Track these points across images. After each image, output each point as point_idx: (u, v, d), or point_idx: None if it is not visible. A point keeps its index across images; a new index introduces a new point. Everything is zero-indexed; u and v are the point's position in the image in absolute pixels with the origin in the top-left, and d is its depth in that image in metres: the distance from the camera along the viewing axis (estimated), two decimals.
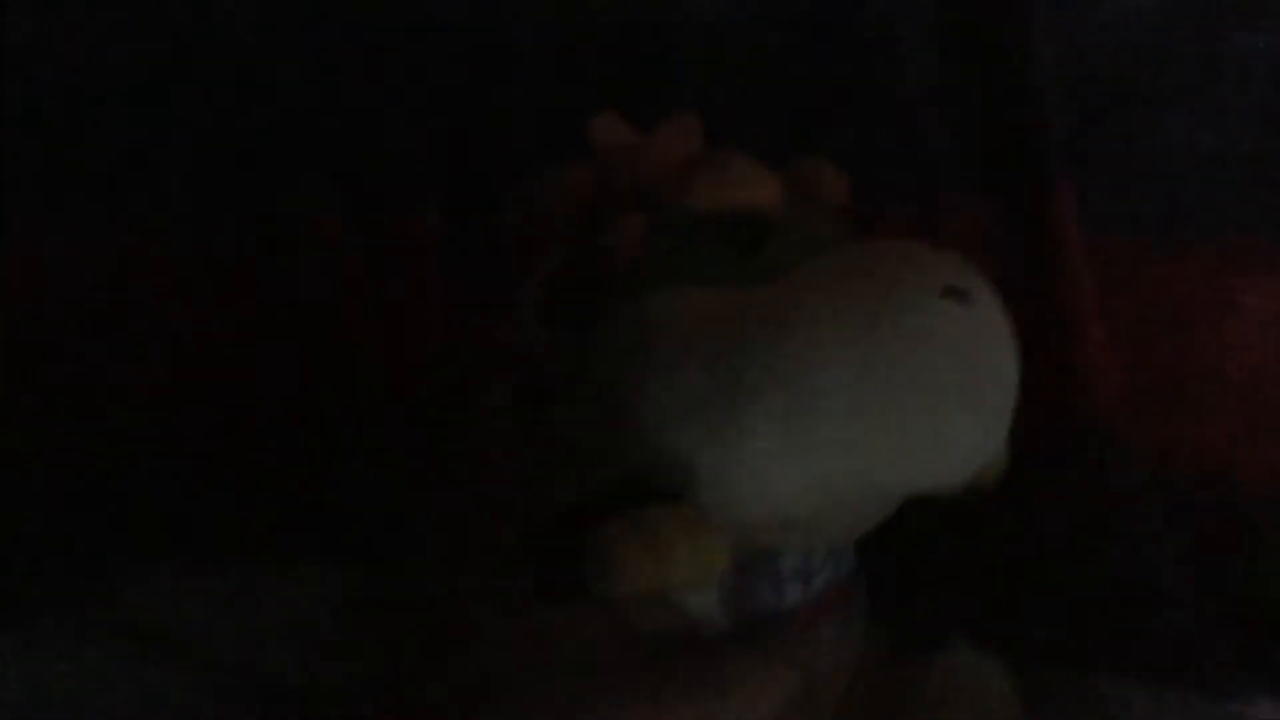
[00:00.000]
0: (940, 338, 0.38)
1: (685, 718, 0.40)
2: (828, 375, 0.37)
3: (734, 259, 0.40)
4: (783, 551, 0.43)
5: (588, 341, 0.41)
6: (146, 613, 0.53)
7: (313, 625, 0.52)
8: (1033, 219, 0.59)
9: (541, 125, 0.58)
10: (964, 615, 0.55)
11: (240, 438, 0.56)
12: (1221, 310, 0.59)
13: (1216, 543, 0.57)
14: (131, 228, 0.58)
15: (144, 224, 0.58)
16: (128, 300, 0.57)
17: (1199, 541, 0.57)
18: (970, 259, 0.41)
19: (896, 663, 0.51)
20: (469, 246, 0.58)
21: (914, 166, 0.60)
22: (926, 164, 0.60)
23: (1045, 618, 0.56)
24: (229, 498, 0.55)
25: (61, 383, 0.56)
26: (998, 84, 0.61)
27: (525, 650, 0.39)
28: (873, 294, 0.38)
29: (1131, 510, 0.57)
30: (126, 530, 0.54)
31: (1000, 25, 0.61)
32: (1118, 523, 0.56)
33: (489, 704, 0.38)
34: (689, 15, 0.61)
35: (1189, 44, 0.61)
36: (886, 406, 0.38)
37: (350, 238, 0.59)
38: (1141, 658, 0.55)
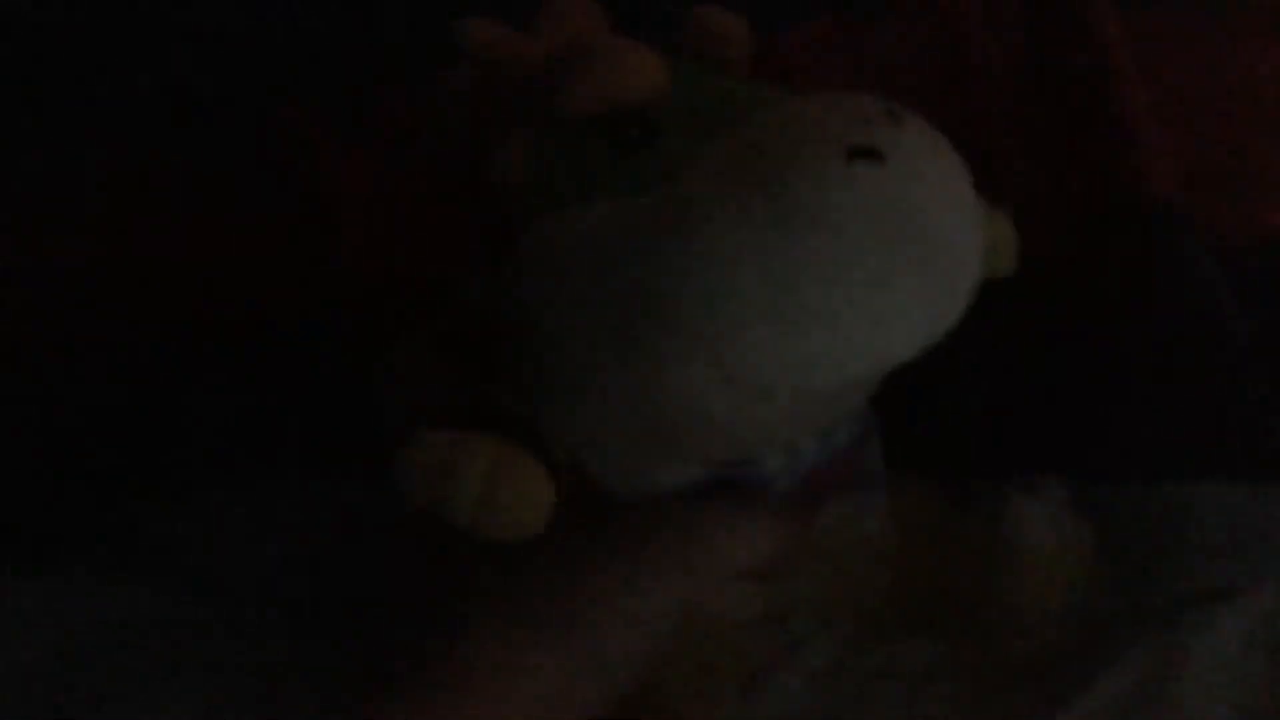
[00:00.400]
0: (853, 210, 0.33)
1: (658, 571, 0.39)
2: (736, 286, 0.33)
3: (625, 163, 0.36)
4: (761, 457, 0.40)
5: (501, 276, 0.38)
6: (165, 547, 0.54)
7: (320, 545, 0.52)
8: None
9: None
10: (1016, 444, 0.51)
11: (235, 359, 0.55)
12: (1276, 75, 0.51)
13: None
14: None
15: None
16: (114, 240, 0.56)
17: (1272, 322, 0.51)
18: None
19: (950, 519, 0.48)
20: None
21: None
22: None
23: (1112, 423, 0.51)
24: (228, 426, 0.55)
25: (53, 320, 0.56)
26: None
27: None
28: (768, 178, 0.33)
29: (1199, 290, 0.51)
30: (136, 467, 0.55)
31: None
32: (1186, 306, 0.51)
33: (467, 604, 0.39)
34: None
35: None
36: (809, 302, 0.33)
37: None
38: (1220, 456, 0.50)
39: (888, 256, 0.34)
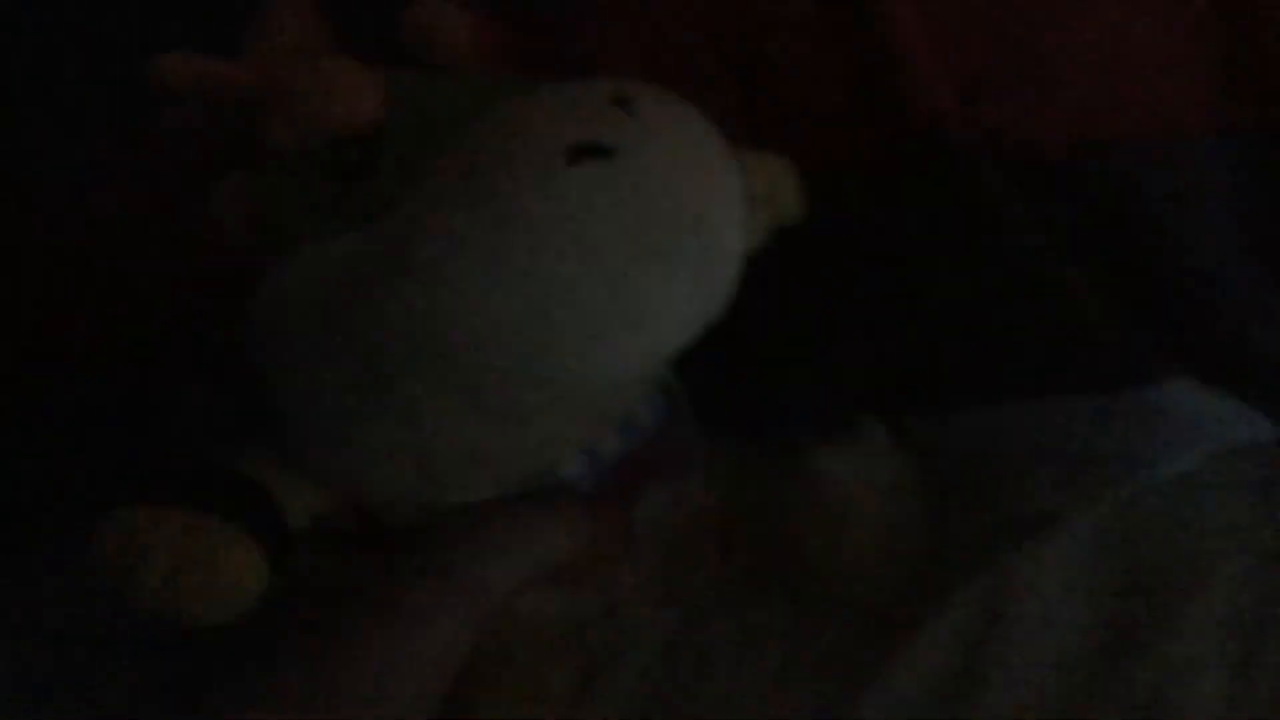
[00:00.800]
0: (583, 211, 0.32)
1: (448, 586, 0.38)
2: (474, 310, 0.31)
3: (347, 193, 0.34)
4: (554, 466, 0.39)
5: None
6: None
7: None
8: None
9: None
10: (836, 389, 0.50)
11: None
12: None
13: (1100, 220, 0.50)
14: None
15: None
16: None
17: (1080, 222, 0.50)
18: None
19: (770, 479, 0.47)
20: None
21: None
22: None
23: (925, 351, 0.50)
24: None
25: None
26: None
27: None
28: (490, 193, 0.31)
29: (991, 206, 0.49)
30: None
31: None
32: (981, 224, 0.49)
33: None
34: None
35: None
36: (554, 315, 0.32)
37: None
38: (1037, 368, 0.49)
39: (631, 252, 0.32)
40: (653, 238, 0.32)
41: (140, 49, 0.38)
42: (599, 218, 0.32)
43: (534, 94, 0.34)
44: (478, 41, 0.37)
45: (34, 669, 0.50)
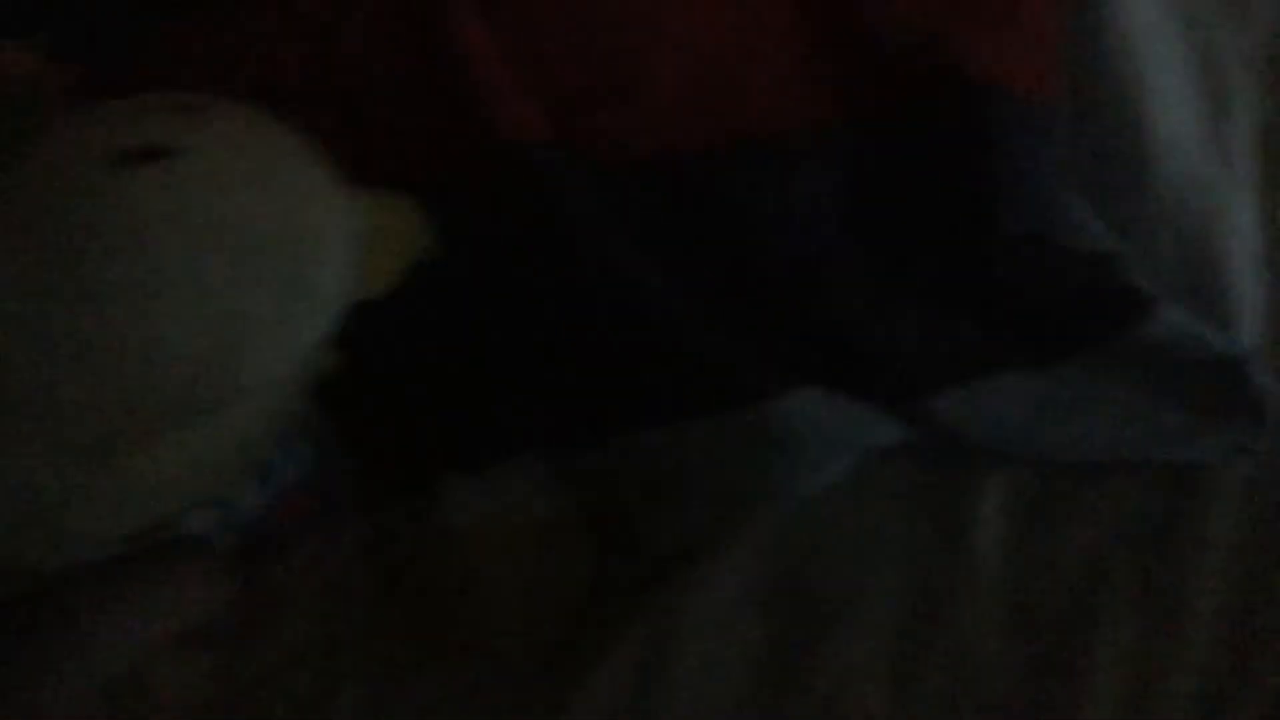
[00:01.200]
0: (139, 215, 0.31)
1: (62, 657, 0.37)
2: (25, 347, 0.31)
3: None
4: (173, 521, 0.38)
5: None
6: None
7: None
8: None
9: None
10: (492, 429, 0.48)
11: None
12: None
13: (697, 232, 0.50)
14: None
15: None
16: None
17: (679, 237, 0.50)
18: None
19: (422, 529, 0.46)
20: None
21: None
22: None
23: (559, 382, 0.49)
24: None
25: None
26: None
27: None
28: (39, 214, 0.31)
29: (585, 227, 0.49)
30: None
31: None
32: (575, 246, 0.49)
33: None
34: None
35: None
36: (117, 336, 0.31)
37: None
38: (656, 391, 0.48)
39: (204, 261, 0.31)
40: (226, 243, 0.32)
41: None
42: (162, 222, 0.31)
43: (91, 108, 0.33)
44: (46, 75, 0.37)
45: None
